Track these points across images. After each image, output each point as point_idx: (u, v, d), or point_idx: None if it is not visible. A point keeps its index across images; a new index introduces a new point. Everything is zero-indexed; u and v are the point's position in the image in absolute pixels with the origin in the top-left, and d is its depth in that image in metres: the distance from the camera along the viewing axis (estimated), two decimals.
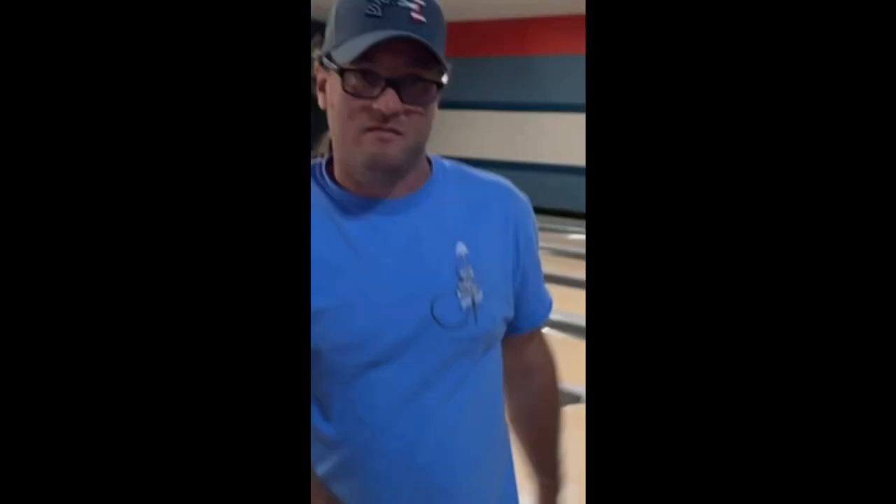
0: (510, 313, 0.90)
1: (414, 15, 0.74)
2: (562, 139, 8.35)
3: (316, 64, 0.82)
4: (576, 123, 7.96)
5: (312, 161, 0.87)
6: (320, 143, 0.89)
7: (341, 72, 0.76)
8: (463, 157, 0.99)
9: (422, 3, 0.75)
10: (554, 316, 1.00)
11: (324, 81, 0.81)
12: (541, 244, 0.95)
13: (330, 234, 0.82)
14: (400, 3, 0.74)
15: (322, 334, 0.79)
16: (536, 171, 8.32)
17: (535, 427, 1.03)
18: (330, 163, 0.87)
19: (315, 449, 0.85)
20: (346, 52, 0.74)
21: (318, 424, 0.85)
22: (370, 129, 0.76)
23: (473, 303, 0.83)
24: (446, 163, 0.91)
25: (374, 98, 0.75)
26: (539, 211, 0.95)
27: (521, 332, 0.95)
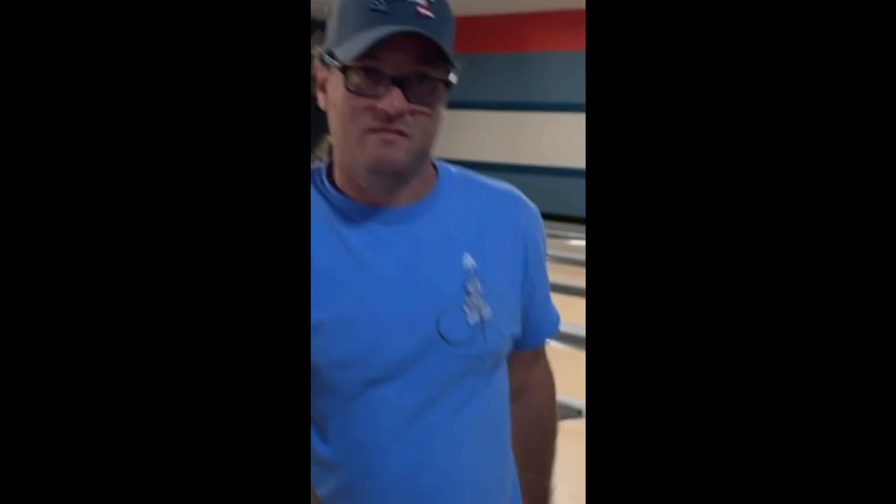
0: (518, 330, 0.88)
1: (421, 10, 0.72)
2: (562, 140, 8.31)
3: (316, 62, 0.79)
4: (576, 124, 7.91)
5: (312, 166, 0.85)
6: (320, 146, 0.85)
7: (344, 69, 0.74)
8: (460, 161, 0.95)
9: None
10: None
11: (325, 80, 0.79)
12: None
13: (330, 243, 0.79)
14: None
15: (320, 349, 0.76)
16: (536, 175, 8.28)
17: (527, 449, 0.98)
18: (330, 168, 0.84)
19: (312, 472, 0.82)
20: (350, 49, 0.72)
21: (315, 446, 0.82)
22: (374, 131, 0.74)
23: (481, 318, 0.81)
24: (453, 169, 0.89)
25: (378, 97, 0.73)
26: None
27: (525, 348, 0.92)
